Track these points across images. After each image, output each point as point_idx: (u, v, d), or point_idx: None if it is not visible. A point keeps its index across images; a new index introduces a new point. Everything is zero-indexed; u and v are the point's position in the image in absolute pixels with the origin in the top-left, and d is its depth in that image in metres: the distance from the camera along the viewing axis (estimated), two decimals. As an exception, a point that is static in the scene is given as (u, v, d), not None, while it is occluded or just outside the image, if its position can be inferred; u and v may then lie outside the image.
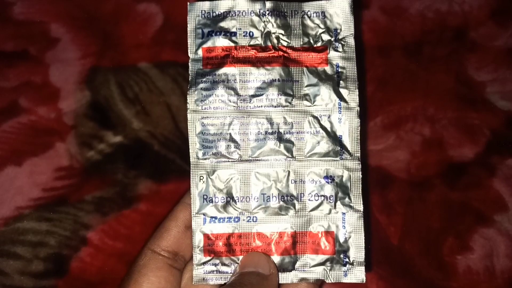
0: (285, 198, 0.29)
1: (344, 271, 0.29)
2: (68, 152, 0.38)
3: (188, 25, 0.29)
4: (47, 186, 0.38)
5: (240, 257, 0.29)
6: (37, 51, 0.40)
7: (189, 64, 0.29)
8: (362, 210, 0.29)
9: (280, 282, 0.29)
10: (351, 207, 0.29)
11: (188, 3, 0.30)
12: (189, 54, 0.29)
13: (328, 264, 0.29)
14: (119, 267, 0.37)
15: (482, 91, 0.39)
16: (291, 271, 0.29)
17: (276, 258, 0.29)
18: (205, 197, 0.29)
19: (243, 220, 0.29)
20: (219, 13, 0.29)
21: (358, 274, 0.29)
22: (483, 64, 0.39)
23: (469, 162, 0.38)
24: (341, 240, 0.29)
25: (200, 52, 0.29)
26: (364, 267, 0.29)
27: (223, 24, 0.29)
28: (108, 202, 0.38)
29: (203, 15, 0.29)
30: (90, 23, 0.41)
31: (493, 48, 0.40)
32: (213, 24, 0.29)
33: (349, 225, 0.29)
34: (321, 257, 0.29)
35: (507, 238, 0.37)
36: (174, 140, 0.39)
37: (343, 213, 0.29)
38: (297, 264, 0.29)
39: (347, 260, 0.29)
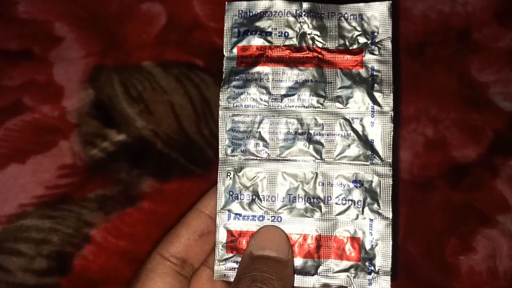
0: (312, 200, 0.28)
1: (368, 279, 0.27)
2: (72, 150, 0.39)
3: (225, 24, 0.29)
4: (51, 184, 0.38)
5: None
6: (41, 50, 0.41)
7: (224, 62, 0.29)
8: (391, 217, 0.28)
9: (301, 285, 0.28)
10: (379, 213, 0.28)
11: (226, 3, 0.30)
12: (224, 52, 0.29)
13: (352, 271, 0.28)
14: (122, 265, 0.37)
15: (485, 92, 0.39)
16: (313, 275, 0.28)
17: (298, 261, 0.28)
18: (231, 193, 0.28)
19: (268, 219, 0.28)
20: (256, 13, 0.29)
21: (383, 284, 0.27)
22: (486, 65, 0.39)
23: (472, 163, 0.38)
24: (367, 247, 0.28)
25: (235, 50, 0.29)
26: (390, 277, 0.27)
27: (259, 23, 0.29)
28: (111, 201, 0.38)
29: (240, 15, 0.29)
30: (94, 22, 0.41)
31: (496, 49, 0.40)
32: (249, 24, 0.29)
33: (376, 232, 0.28)
34: (345, 263, 0.28)
35: (510, 239, 0.36)
36: (177, 139, 0.39)
37: (371, 220, 0.28)
38: (320, 269, 0.28)
39: (372, 268, 0.28)
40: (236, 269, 0.28)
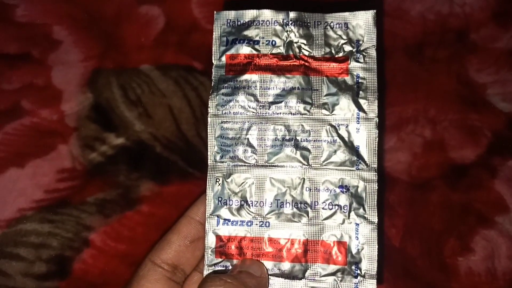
0: (299, 205, 0.29)
1: (355, 283, 0.28)
2: (71, 154, 0.39)
3: (214, 33, 0.30)
4: (50, 188, 0.38)
5: None
6: (39, 53, 0.41)
7: (213, 70, 0.30)
8: (376, 222, 0.28)
9: None
10: (365, 218, 0.28)
11: (215, 12, 0.30)
12: (213, 61, 0.30)
13: (339, 274, 0.28)
14: (122, 268, 0.37)
15: (483, 93, 0.39)
16: (300, 279, 0.28)
17: (286, 265, 0.29)
18: (220, 199, 0.29)
19: (256, 224, 0.29)
20: (244, 22, 0.30)
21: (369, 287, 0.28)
22: (484, 65, 0.39)
23: (470, 164, 0.38)
24: (354, 251, 0.28)
25: (223, 59, 0.30)
26: (375, 281, 0.28)
27: (247, 32, 0.30)
28: (110, 204, 0.38)
29: (228, 24, 0.30)
30: (92, 25, 0.41)
31: (494, 50, 0.40)
32: (238, 33, 0.30)
33: (362, 236, 0.28)
34: (332, 267, 0.28)
35: (508, 240, 0.37)
36: (176, 142, 0.39)
37: (357, 224, 0.28)
38: (308, 273, 0.28)
39: (358, 272, 0.28)
40: None
